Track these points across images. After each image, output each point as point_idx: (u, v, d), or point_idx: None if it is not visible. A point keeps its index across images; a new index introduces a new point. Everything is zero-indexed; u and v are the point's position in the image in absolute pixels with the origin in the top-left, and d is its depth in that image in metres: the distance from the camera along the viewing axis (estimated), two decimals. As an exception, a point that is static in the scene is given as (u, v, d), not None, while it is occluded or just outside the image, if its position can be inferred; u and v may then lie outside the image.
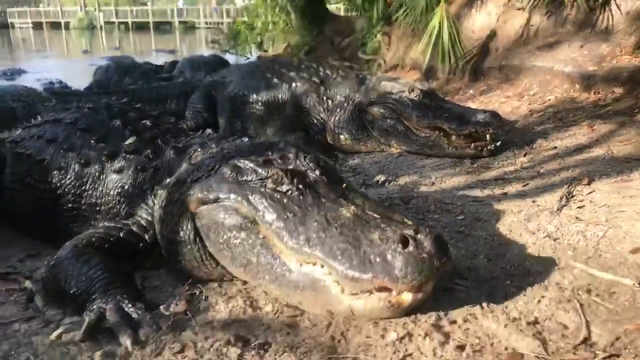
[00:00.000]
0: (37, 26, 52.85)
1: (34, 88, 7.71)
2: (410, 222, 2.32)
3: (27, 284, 2.99)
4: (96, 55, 20.92)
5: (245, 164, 2.69)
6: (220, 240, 2.61)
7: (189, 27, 48.87)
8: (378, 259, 2.08)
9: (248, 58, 12.57)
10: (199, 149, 3.08)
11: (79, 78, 11.28)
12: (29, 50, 25.42)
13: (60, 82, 10.72)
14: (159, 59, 14.80)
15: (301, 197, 2.48)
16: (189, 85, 7.18)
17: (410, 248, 2.06)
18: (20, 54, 23.24)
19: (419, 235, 2.10)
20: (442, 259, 2.08)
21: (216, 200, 2.66)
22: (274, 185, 2.54)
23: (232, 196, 2.61)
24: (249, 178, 2.63)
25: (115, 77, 9.11)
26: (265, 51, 13.87)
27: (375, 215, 2.33)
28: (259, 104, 6.32)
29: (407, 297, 2.15)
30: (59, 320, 2.59)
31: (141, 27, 50.51)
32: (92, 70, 10.99)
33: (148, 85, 7.55)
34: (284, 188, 2.52)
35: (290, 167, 2.64)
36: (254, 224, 2.54)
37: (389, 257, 2.07)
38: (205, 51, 17.63)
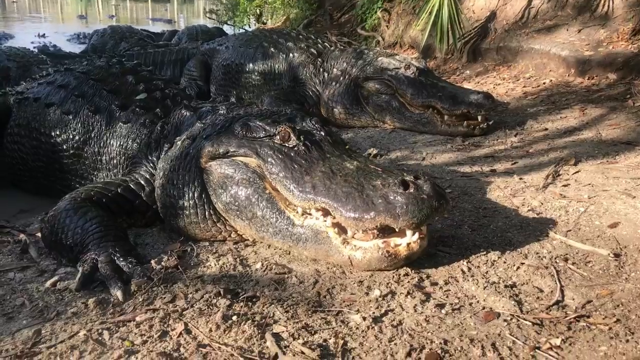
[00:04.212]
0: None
1: (30, 49, 7.64)
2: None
3: (22, 236, 3.05)
4: (91, 23, 20.59)
5: (255, 122, 2.79)
6: (228, 195, 2.71)
7: (187, -3, 47.92)
8: (380, 200, 2.24)
9: (246, 30, 12.43)
10: (210, 111, 3.16)
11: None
12: (23, 15, 24.87)
13: (55, 46, 10.62)
14: (156, 28, 14.64)
15: (307, 152, 2.61)
16: (185, 52, 7.12)
17: (411, 190, 2.22)
18: (13, 17, 22.74)
19: (418, 181, 2.27)
20: (440, 201, 2.25)
21: (226, 154, 2.76)
22: (282, 141, 2.66)
23: (242, 150, 2.72)
24: (258, 135, 2.74)
25: (112, 42, 9.03)
26: (264, 23, 13.72)
27: (377, 168, 2.47)
28: (255, 73, 6.30)
29: (404, 248, 2.32)
30: (53, 270, 2.67)
31: (138, -5, 49.43)
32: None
33: (144, 51, 7.48)
34: (291, 143, 2.65)
35: (298, 127, 2.74)
36: (261, 179, 2.65)
37: (390, 197, 2.23)
38: (203, 22, 17.41)
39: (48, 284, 2.45)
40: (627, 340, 1.85)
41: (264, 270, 2.50)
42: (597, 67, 6.06)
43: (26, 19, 22.53)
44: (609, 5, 6.55)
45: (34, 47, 9.28)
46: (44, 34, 14.25)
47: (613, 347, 1.82)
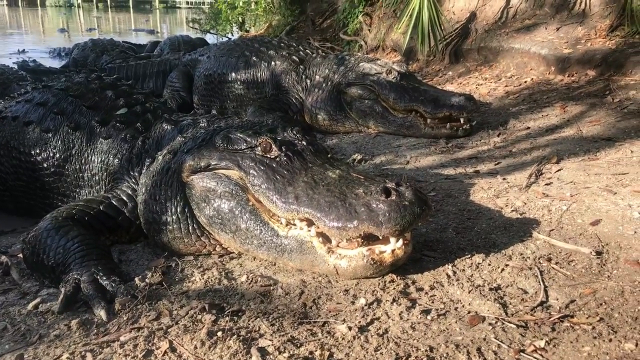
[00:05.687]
0: (13, 3, 51.20)
1: (9, 66, 7.55)
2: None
3: (3, 258, 3.00)
4: (73, 36, 20.41)
5: (236, 134, 2.77)
6: (211, 208, 2.69)
7: (170, 7, 47.94)
8: (363, 209, 2.23)
9: (229, 38, 12.40)
10: (191, 124, 3.15)
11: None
12: (3, 29, 24.60)
13: (34, 61, 10.51)
14: (139, 39, 14.58)
15: (289, 162, 2.60)
16: (167, 64, 7.09)
17: (393, 197, 2.22)
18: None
19: (400, 188, 2.27)
20: (422, 207, 2.24)
21: (207, 167, 2.74)
22: (263, 153, 2.65)
23: (223, 163, 2.70)
24: (239, 147, 2.72)
25: (93, 55, 8.96)
26: (247, 31, 13.72)
27: (360, 176, 2.48)
28: (237, 82, 6.29)
29: (389, 255, 2.31)
30: (35, 292, 2.63)
31: (121, 6, 49.34)
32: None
33: (126, 63, 7.44)
34: (273, 154, 2.64)
35: (279, 137, 2.73)
36: (244, 191, 2.64)
37: (373, 205, 2.23)
38: (186, 31, 17.35)
39: (30, 306, 2.41)
40: (611, 340, 1.86)
41: (250, 283, 2.49)
42: (576, 65, 6.14)
43: (6, 33, 22.28)
44: (586, 3, 6.65)
45: (14, 63, 9.18)
46: (24, 49, 14.12)
47: (597, 347, 1.83)
